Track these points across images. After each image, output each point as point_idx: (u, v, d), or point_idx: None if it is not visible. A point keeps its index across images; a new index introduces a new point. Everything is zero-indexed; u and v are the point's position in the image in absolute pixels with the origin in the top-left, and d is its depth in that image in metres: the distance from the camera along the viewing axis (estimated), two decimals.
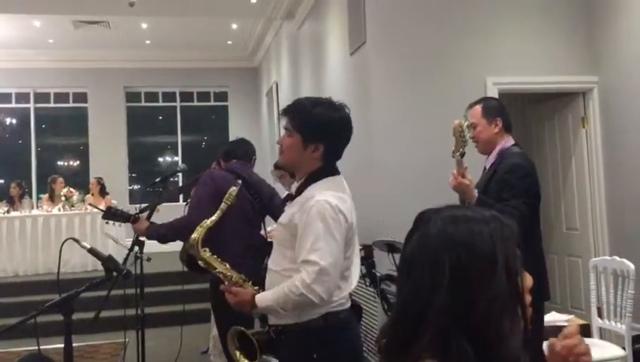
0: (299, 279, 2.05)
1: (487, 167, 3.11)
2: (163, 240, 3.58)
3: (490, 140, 3.06)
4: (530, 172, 2.96)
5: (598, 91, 5.24)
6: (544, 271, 2.99)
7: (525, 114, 6.09)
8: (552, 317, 4.02)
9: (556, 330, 3.52)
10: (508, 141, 3.08)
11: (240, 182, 2.54)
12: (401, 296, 1.04)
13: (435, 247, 1.00)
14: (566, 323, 3.98)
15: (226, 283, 2.29)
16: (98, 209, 4.29)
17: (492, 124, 3.05)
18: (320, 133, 2.21)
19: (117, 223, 3.79)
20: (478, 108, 3.09)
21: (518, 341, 0.98)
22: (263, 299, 2.16)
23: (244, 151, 3.90)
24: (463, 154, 2.75)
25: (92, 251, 1.96)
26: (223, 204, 2.39)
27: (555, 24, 5.29)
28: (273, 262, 2.28)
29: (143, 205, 3.85)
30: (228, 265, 2.32)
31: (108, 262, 1.94)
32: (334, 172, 2.27)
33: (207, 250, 2.33)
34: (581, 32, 5.28)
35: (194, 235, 2.31)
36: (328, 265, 2.04)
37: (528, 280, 1.05)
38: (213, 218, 2.37)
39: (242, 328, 2.25)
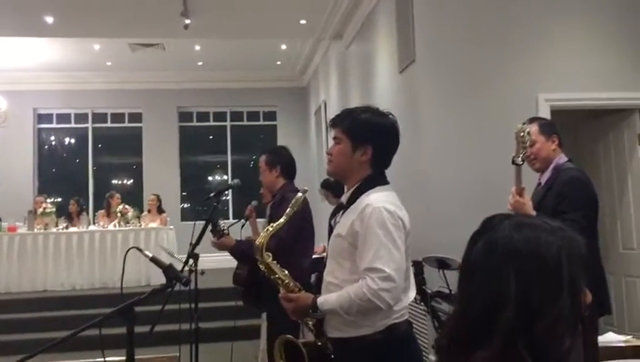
0: (365, 286, 2.07)
1: (542, 183, 3.13)
2: (244, 257, 3.72)
3: (548, 156, 3.11)
4: (589, 185, 2.99)
5: None
6: (604, 284, 2.99)
7: (578, 131, 5.97)
8: (609, 338, 3.91)
9: (613, 352, 3.45)
10: (562, 157, 3.13)
11: (307, 189, 2.54)
12: (465, 300, 1.05)
13: (500, 256, 1.00)
14: (623, 344, 3.88)
15: (282, 290, 2.32)
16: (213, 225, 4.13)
17: (549, 141, 3.10)
18: (368, 135, 2.24)
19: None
20: (535, 126, 3.12)
21: (579, 360, 0.97)
22: (325, 301, 2.18)
23: (294, 169, 3.96)
24: (524, 160, 2.77)
25: (154, 260, 2.04)
26: (289, 209, 2.40)
27: (609, 39, 5.20)
28: (331, 275, 2.28)
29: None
30: (287, 273, 2.35)
31: (169, 270, 2.01)
32: (384, 181, 2.30)
33: (270, 255, 2.35)
34: (635, 47, 5.17)
35: (260, 240, 2.34)
36: (393, 272, 2.07)
37: (588, 297, 1.04)
38: (281, 221, 2.40)
39: (291, 336, 2.27)
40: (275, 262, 2.36)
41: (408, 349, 2.24)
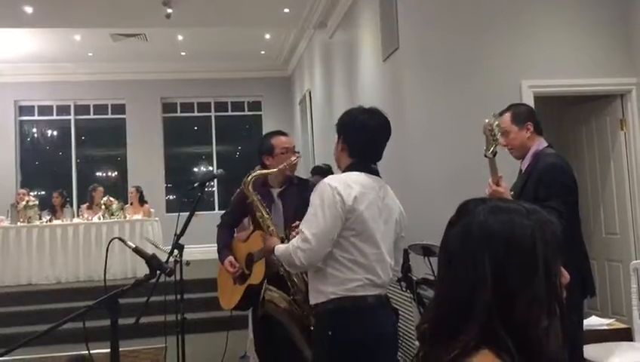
0: (292, 242, 2.45)
1: (523, 170, 3.15)
2: None
3: (523, 145, 3.14)
4: (567, 170, 3.01)
5: (637, 93, 5.15)
6: (588, 267, 3.03)
7: (562, 117, 6.01)
8: (592, 322, 3.97)
9: (597, 335, 3.50)
10: (541, 143, 3.15)
11: (300, 153, 3.25)
12: (443, 285, 1.05)
13: (476, 241, 1.00)
14: (607, 327, 3.93)
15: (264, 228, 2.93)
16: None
17: (523, 129, 3.13)
18: (341, 128, 2.59)
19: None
20: (507, 115, 3.17)
21: (557, 340, 0.98)
22: (278, 248, 2.58)
23: None
24: (494, 153, 2.77)
25: (137, 250, 2.02)
26: (282, 165, 3.14)
27: (592, 26, 5.22)
28: None
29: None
30: (271, 218, 2.96)
31: (152, 260, 2.00)
32: (360, 169, 2.51)
33: (258, 194, 3.03)
34: (619, 34, 5.20)
35: (247, 178, 3.03)
36: (311, 235, 2.35)
37: (565, 277, 1.05)
38: (269, 171, 3.19)
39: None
40: (263, 203, 3.03)
41: (360, 321, 2.38)
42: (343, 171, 2.54)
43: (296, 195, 3.33)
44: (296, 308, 2.82)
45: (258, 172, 3.10)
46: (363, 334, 2.39)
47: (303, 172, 7.54)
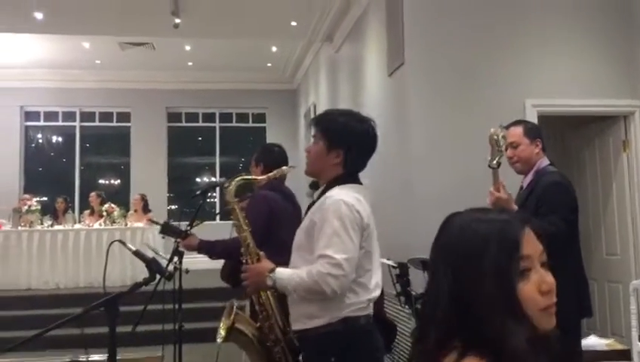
0: (315, 268, 2.13)
1: (525, 186, 3.15)
2: (215, 256, 3.63)
3: (530, 159, 3.13)
4: (568, 189, 3.00)
5: None
6: (585, 287, 2.98)
7: (565, 137, 6.03)
8: (591, 342, 3.94)
9: (596, 355, 3.47)
10: (544, 161, 3.16)
11: (294, 166, 2.90)
12: (426, 299, 1.10)
13: (438, 251, 1.05)
14: (606, 348, 3.91)
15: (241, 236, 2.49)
16: (156, 223, 4.21)
17: (533, 144, 3.12)
18: (342, 139, 2.32)
19: (166, 237, 3.82)
20: (520, 128, 3.16)
21: (519, 342, 0.95)
22: (281, 273, 2.23)
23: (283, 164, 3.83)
24: (499, 164, 2.78)
25: (137, 253, 2.03)
26: (272, 173, 2.75)
27: (596, 47, 5.26)
28: (291, 266, 2.34)
29: (183, 223, 3.82)
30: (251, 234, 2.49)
31: (151, 264, 2.01)
32: (353, 181, 2.35)
33: (239, 202, 2.56)
34: (622, 55, 5.23)
35: (231, 183, 2.53)
36: (343, 260, 2.11)
37: (549, 281, 1.02)
38: (256, 177, 2.98)
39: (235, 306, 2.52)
40: (243, 213, 2.55)
41: (365, 343, 2.25)
42: (330, 183, 2.33)
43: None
44: (262, 338, 2.52)
45: (243, 176, 2.67)
46: (363, 357, 2.25)
47: (306, 185, 7.55)
